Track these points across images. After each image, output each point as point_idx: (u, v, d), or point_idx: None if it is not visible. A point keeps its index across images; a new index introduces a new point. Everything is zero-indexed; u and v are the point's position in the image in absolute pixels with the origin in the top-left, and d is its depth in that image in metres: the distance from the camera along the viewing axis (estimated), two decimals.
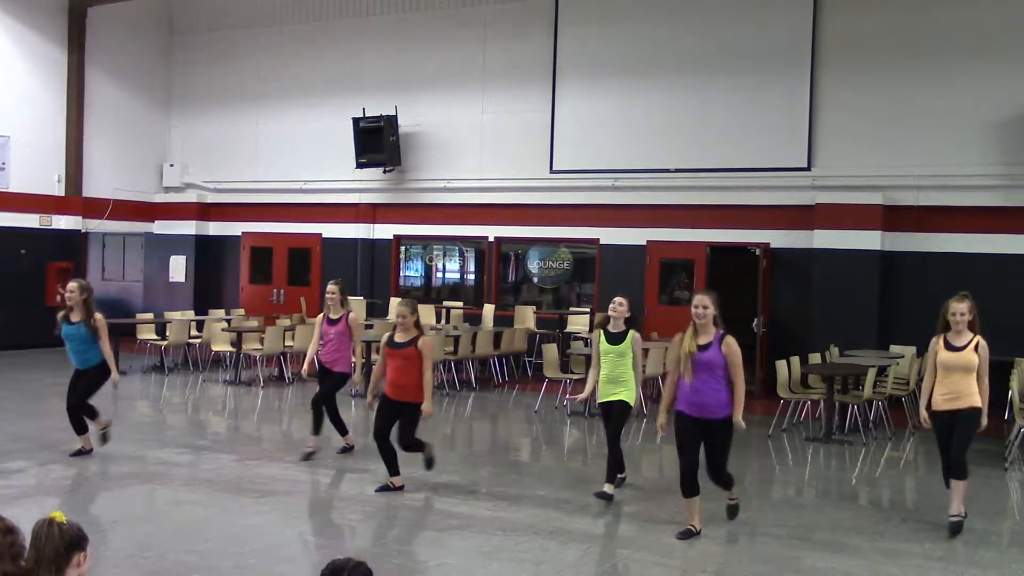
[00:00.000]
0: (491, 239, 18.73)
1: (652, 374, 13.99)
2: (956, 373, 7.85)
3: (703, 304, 7.46)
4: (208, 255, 21.31)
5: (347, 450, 10.54)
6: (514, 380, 16.51)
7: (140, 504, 8.76)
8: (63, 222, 20.32)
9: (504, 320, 17.65)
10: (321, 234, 20.23)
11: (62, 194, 20.29)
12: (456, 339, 15.54)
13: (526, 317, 17.53)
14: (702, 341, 7.46)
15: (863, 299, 15.02)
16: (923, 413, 8.07)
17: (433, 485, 9.15)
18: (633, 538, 7.79)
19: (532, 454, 11.81)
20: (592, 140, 17.53)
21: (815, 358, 13.47)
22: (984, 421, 7.89)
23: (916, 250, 15.12)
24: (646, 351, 13.65)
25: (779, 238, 16.06)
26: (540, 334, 16.97)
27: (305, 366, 10.54)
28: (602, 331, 8.74)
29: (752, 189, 16.13)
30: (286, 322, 17.51)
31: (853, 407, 12.49)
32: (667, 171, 16.74)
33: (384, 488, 8.85)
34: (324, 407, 10.20)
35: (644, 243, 17.07)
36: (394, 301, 18.28)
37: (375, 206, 19.76)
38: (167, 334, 17.28)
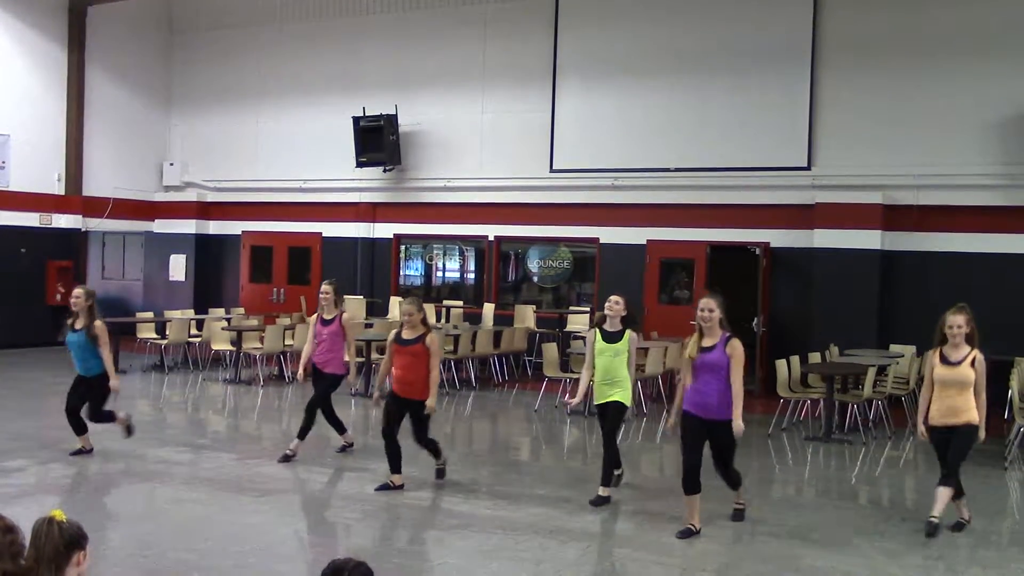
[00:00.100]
0: (491, 238, 18.73)
1: (652, 373, 14.00)
2: (953, 389, 7.79)
3: (708, 307, 7.51)
4: (208, 254, 21.31)
5: (346, 448, 10.54)
6: (514, 379, 16.51)
7: (140, 503, 8.76)
8: (63, 221, 20.32)
9: (504, 319, 17.65)
10: (321, 233, 20.23)
11: (62, 193, 20.30)
12: (456, 338, 15.54)
13: (526, 316, 17.52)
14: (707, 343, 7.52)
15: (863, 298, 15.02)
16: (920, 428, 8.05)
17: (433, 484, 9.15)
18: (633, 537, 7.79)
19: (532, 453, 11.82)
20: (592, 139, 17.53)
21: (815, 357, 13.47)
22: (982, 435, 7.85)
23: (916, 249, 15.12)
24: (646, 351, 13.68)
25: (779, 237, 16.06)
26: (540, 333, 16.98)
27: (300, 370, 10.52)
28: (598, 330, 8.73)
29: (752, 188, 16.13)
30: (286, 321, 17.53)
31: (853, 406, 12.50)
32: (667, 170, 16.74)
33: (384, 487, 8.85)
34: (320, 410, 10.15)
35: (644, 242, 17.07)
36: (394, 300, 18.37)
37: (375, 205, 19.76)
38: (167, 333, 17.28)
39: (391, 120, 18.64)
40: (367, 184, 19.53)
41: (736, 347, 7.46)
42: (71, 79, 20.27)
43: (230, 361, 16.43)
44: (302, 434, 10.07)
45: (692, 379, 7.57)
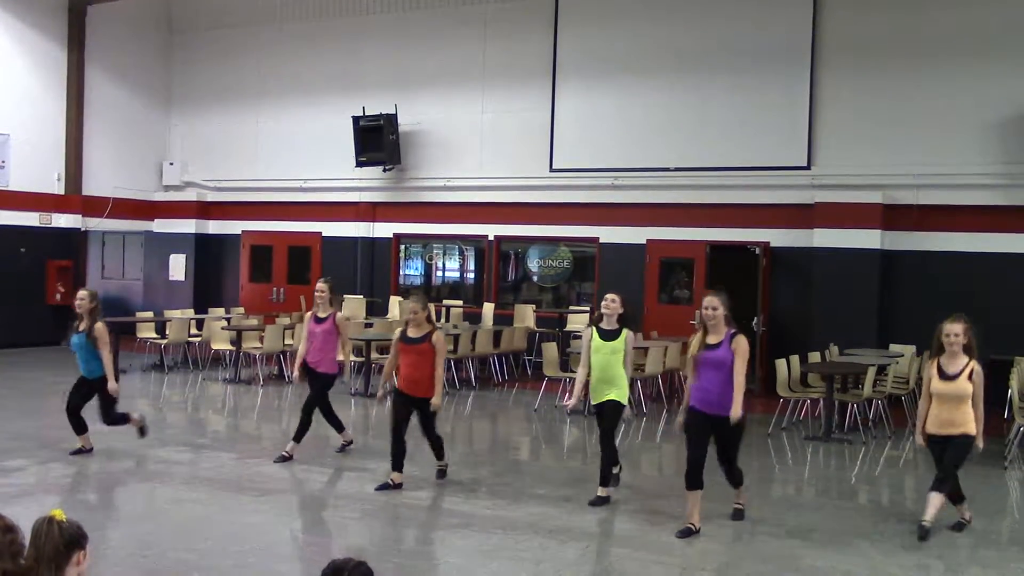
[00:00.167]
0: (491, 238, 18.73)
1: (652, 373, 13.99)
2: (950, 402, 7.74)
3: (712, 305, 7.58)
4: (208, 254, 21.31)
5: (346, 447, 10.51)
6: (514, 379, 16.51)
7: (140, 502, 8.76)
8: (63, 220, 20.32)
9: (504, 319, 17.65)
10: (321, 233, 20.23)
11: (62, 192, 20.30)
12: (456, 338, 15.54)
13: (526, 316, 17.53)
14: (712, 340, 7.58)
15: (863, 298, 15.03)
16: (919, 438, 8.02)
17: (433, 484, 9.15)
18: (632, 536, 7.78)
19: (532, 453, 11.82)
20: (592, 139, 17.53)
21: (815, 357, 13.47)
22: (980, 444, 7.82)
23: (916, 249, 15.12)
24: (646, 350, 13.68)
25: (779, 237, 16.06)
26: (540, 333, 16.98)
27: (295, 370, 10.49)
28: (595, 328, 8.73)
29: (752, 188, 16.13)
30: (286, 320, 17.53)
31: (853, 406, 12.51)
32: (667, 170, 16.75)
33: (384, 486, 8.84)
34: (318, 410, 10.12)
35: (644, 242, 17.07)
36: (394, 300, 18.37)
37: (375, 205, 19.76)
38: (167, 333, 17.28)
39: (391, 120, 18.64)
40: (367, 184, 19.53)
41: (741, 342, 7.54)
42: (71, 79, 20.27)
43: (230, 361, 16.43)
44: (298, 436, 10.03)
45: (696, 375, 7.65)
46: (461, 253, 19.96)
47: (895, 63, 15.28)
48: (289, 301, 19.92)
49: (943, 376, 7.78)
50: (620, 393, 8.53)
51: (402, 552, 7.41)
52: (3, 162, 19.24)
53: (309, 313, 10.44)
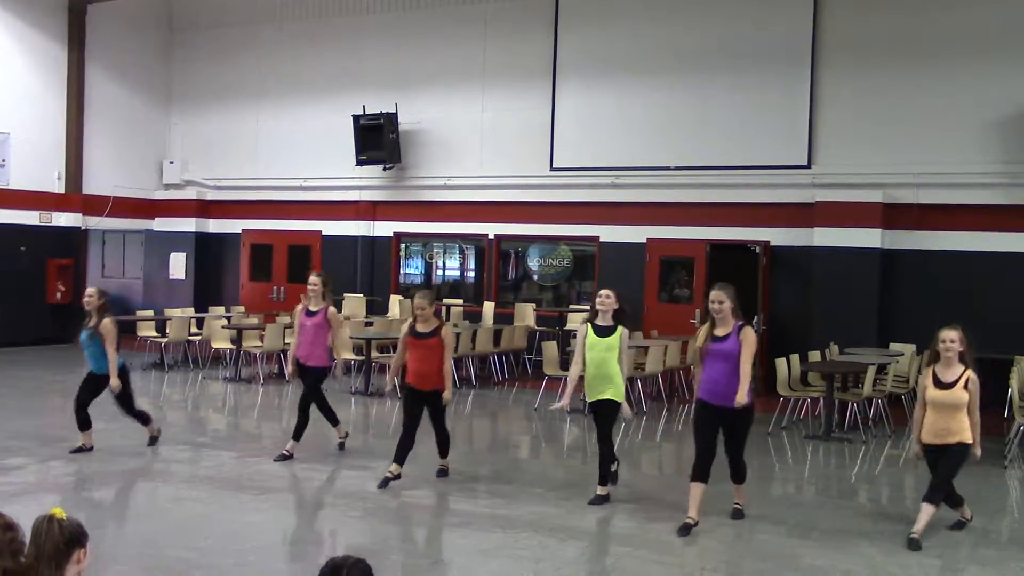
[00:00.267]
0: (491, 236, 18.73)
1: (652, 372, 14.00)
2: (946, 411, 7.71)
3: (718, 299, 7.68)
4: (208, 252, 21.31)
5: (342, 441, 10.47)
6: (514, 378, 16.52)
7: (140, 501, 8.77)
8: (63, 219, 20.32)
9: (504, 318, 17.65)
10: (321, 231, 20.22)
11: (62, 191, 20.29)
12: (456, 336, 15.52)
13: (526, 315, 17.53)
14: (720, 332, 7.67)
15: (863, 297, 15.02)
16: (915, 447, 8.01)
17: (433, 482, 9.16)
18: (632, 535, 7.79)
19: (531, 452, 11.82)
20: (592, 138, 17.53)
21: (815, 356, 13.48)
22: (977, 452, 7.80)
23: (916, 248, 15.11)
24: (645, 349, 13.69)
25: (779, 236, 16.06)
26: (540, 332, 16.98)
27: (289, 368, 10.45)
28: (590, 324, 8.73)
29: (752, 187, 16.13)
30: (286, 319, 17.50)
31: (853, 405, 12.51)
32: (667, 169, 16.74)
33: (384, 482, 8.84)
34: (314, 406, 10.10)
35: (644, 241, 17.07)
36: (394, 299, 18.38)
37: (375, 203, 19.76)
38: (167, 331, 17.29)
39: (391, 118, 18.64)
40: (367, 182, 19.53)
41: (749, 334, 7.63)
42: (71, 77, 20.27)
43: (230, 359, 16.45)
44: (297, 435, 10.03)
45: (703, 368, 7.73)
46: (461, 252, 19.97)
47: (895, 63, 15.28)
48: (289, 300, 19.89)
49: (939, 384, 7.75)
50: (616, 391, 8.48)
51: (401, 550, 7.42)
52: (3, 161, 19.24)
53: (300, 306, 10.34)
